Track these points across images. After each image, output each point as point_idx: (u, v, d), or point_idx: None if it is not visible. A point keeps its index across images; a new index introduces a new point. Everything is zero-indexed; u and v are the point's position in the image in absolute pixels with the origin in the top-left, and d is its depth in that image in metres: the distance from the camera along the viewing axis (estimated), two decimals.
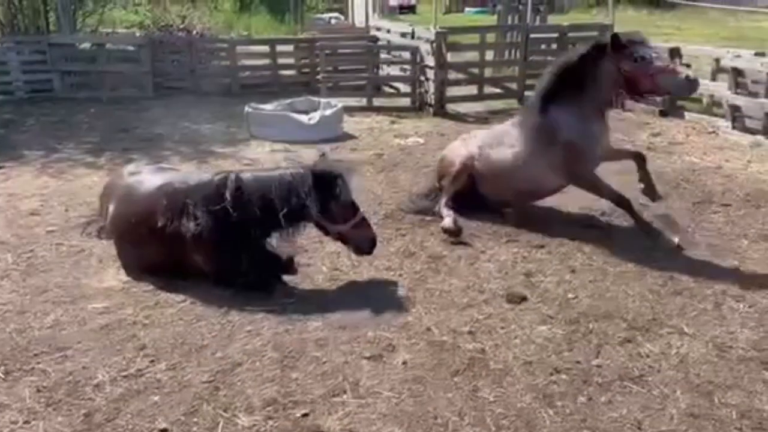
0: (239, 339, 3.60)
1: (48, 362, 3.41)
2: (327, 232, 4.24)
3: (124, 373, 3.30)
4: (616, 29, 10.63)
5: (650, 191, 5.29)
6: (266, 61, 11.82)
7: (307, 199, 3.94)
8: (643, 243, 4.84)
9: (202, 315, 3.85)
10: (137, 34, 13.32)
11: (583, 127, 4.98)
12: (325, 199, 4.01)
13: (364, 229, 4.20)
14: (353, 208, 4.15)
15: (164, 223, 4.03)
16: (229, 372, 3.30)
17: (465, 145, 5.69)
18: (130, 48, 11.65)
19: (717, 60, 8.51)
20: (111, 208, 4.51)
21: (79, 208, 5.71)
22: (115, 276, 4.38)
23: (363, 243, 4.20)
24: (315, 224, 4.18)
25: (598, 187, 5.14)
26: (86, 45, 11.88)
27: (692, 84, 4.77)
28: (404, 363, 3.37)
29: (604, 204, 5.68)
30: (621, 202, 5.04)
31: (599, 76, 4.86)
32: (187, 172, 5.14)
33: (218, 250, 4.04)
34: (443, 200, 5.41)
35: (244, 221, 3.96)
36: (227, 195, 3.96)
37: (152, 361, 3.40)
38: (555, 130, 5.01)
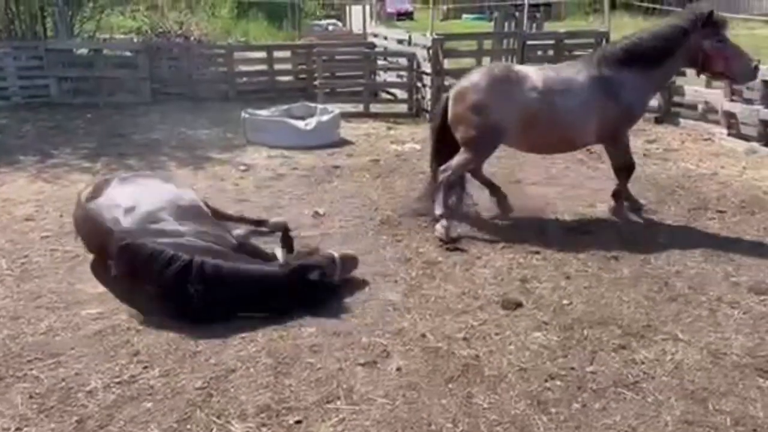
0: (233, 345, 3.58)
1: (41, 368, 3.39)
2: None
3: (117, 380, 3.29)
4: (612, 36, 10.74)
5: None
6: (263, 67, 11.85)
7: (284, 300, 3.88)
8: (639, 249, 4.85)
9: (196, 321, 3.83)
10: (135, 40, 13.35)
11: (644, 97, 5.35)
12: (305, 295, 3.93)
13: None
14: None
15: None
16: (223, 378, 3.29)
17: (518, 87, 5.11)
18: (128, 54, 11.68)
19: None
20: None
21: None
22: (109, 281, 4.35)
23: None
24: None
25: (627, 152, 5.46)
26: (83, 50, 11.90)
27: (755, 72, 5.16)
28: (398, 369, 3.37)
29: (599, 210, 5.72)
30: (632, 170, 5.53)
31: (681, 51, 5.09)
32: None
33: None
34: (440, 197, 5.21)
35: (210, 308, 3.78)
36: (190, 287, 3.69)
37: (145, 368, 3.38)
38: (621, 90, 5.10)
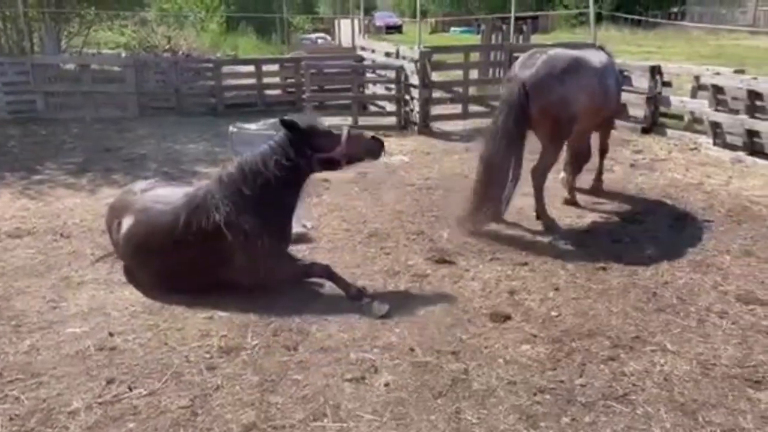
0: (218, 363, 3.53)
1: (22, 389, 3.32)
2: (335, 164, 4.35)
3: (100, 400, 3.23)
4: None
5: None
6: (252, 81, 11.84)
7: (296, 155, 4.21)
8: (627, 259, 4.85)
9: (180, 339, 3.78)
10: (122, 55, 13.30)
11: None
12: (308, 144, 4.23)
13: (359, 139, 4.36)
14: (333, 134, 4.30)
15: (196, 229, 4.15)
16: (208, 397, 3.24)
17: (584, 74, 5.36)
18: (115, 68, 11.64)
19: (697, 77, 8.62)
20: (126, 225, 4.42)
21: (59, 231, 5.62)
22: (93, 299, 4.31)
23: (366, 149, 4.37)
24: (322, 166, 4.34)
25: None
26: (70, 65, 11.85)
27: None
28: (386, 385, 3.33)
29: (587, 221, 5.72)
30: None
31: None
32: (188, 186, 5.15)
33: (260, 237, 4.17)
34: (542, 200, 5.50)
35: (266, 201, 4.20)
36: (242, 185, 4.22)
37: (129, 387, 3.32)
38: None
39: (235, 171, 4.31)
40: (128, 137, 9.64)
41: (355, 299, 4.21)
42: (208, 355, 3.61)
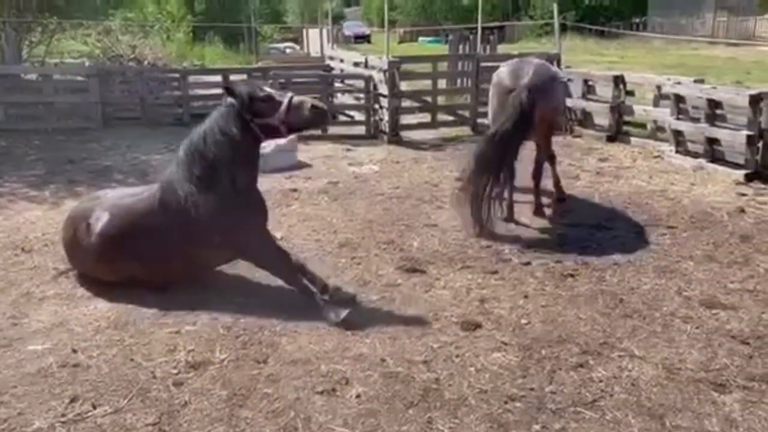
0: (185, 378, 3.46)
1: None
2: (275, 132, 4.28)
3: (63, 419, 3.13)
4: (564, 57, 11.04)
5: None
6: (218, 91, 11.72)
7: (234, 125, 4.18)
8: (594, 266, 4.92)
9: (147, 354, 3.70)
10: (86, 64, 13.06)
11: None
12: (248, 110, 4.16)
13: (300, 106, 4.18)
14: (274, 99, 4.18)
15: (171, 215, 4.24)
16: (175, 413, 3.17)
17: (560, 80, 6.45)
18: (79, 78, 11.41)
19: (659, 87, 8.83)
20: (101, 222, 4.41)
21: (20, 245, 5.47)
22: (55, 314, 4.19)
23: (307, 118, 4.21)
24: (263, 133, 4.25)
25: None
26: (32, 76, 11.59)
27: None
28: (358, 396, 3.30)
29: (556, 228, 5.80)
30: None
31: None
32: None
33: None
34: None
35: (217, 178, 4.22)
36: (192, 167, 4.26)
37: (93, 405, 3.23)
38: None
39: (183, 154, 4.34)
40: (92, 148, 9.45)
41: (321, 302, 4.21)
42: (175, 371, 3.54)
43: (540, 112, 5.57)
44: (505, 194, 5.80)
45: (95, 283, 4.60)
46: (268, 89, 4.30)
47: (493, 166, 5.48)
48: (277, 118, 4.15)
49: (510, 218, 5.97)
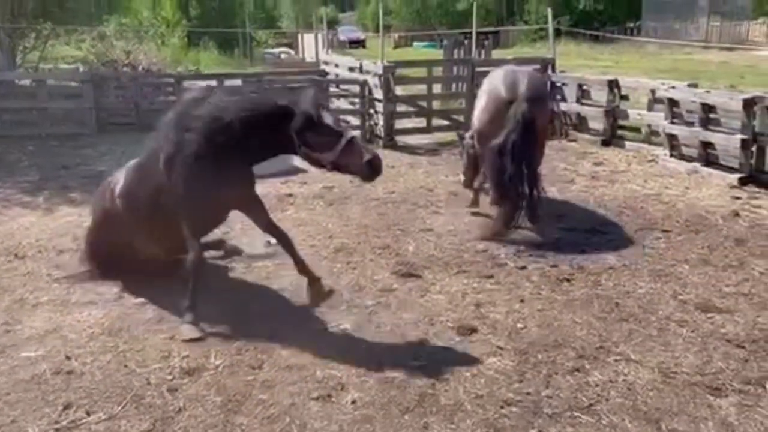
0: (180, 384, 3.44)
1: None
2: (315, 164, 3.96)
3: (57, 426, 3.11)
4: (558, 62, 11.07)
5: None
6: None
7: (276, 134, 3.85)
8: (590, 270, 4.93)
9: (141, 361, 3.68)
10: (80, 70, 13.04)
11: None
12: (300, 134, 3.79)
13: (356, 155, 3.79)
14: (333, 135, 3.80)
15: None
16: (170, 420, 3.15)
17: None
18: (73, 84, 11.38)
19: (653, 91, 8.86)
20: (117, 188, 4.48)
21: (13, 251, 5.44)
22: (49, 321, 4.17)
23: (359, 170, 3.84)
24: (302, 157, 3.95)
25: None
26: (26, 81, 11.55)
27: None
28: (353, 402, 3.29)
29: (551, 232, 5.80)
30: None
31: None
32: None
33: None
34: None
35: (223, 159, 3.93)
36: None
37: (87, 412, 3.21)
38: None
39: (209, 115, 3.94)
40: (86, 154, 9.42)
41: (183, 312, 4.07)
42: (169, 377, 3.52)
43: (539, 122, 5.65)
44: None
45: (89, 289, 4.59)
46: (328, 117, 3.86)
47: (515, 176, 5.49)
48: (327, 157, 3.80)
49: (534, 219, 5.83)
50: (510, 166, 5.46)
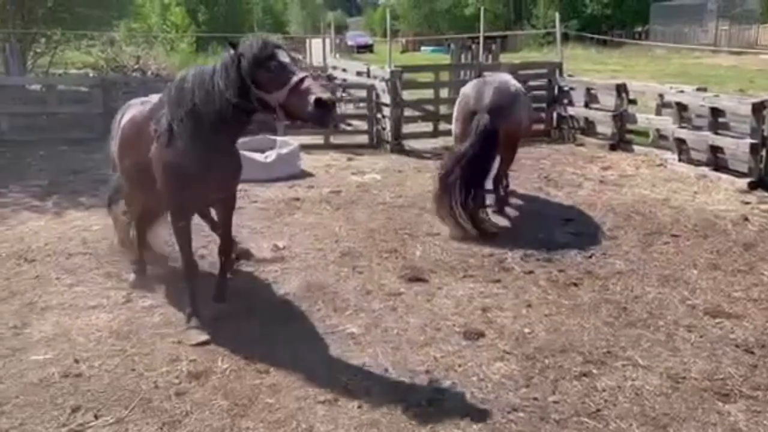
0: (187, 388, 3.45)
1: None
2: (269, 110, 3.62)
3: (65, 429, 3.13)
4: (566, 66, 11.05)
5: None
6: None
7: (228, 83, 3.60)
8: (598, 275, 4.91)
9: (148, 364, 3.70)
10: (90, 75, 13.14)
11: None
12: (251, 74, 3.52)
13: (305, 93, 3.41)
14: (284, 72, 3.49)
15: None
16: (177, 423, 3.16)
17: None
18: (83, 89, 11.47)
19: (661, 95, 8.83)
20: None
21: (23, 255, 5.48)
22: (57, 324, 4.19)
23: (307, 108, 3.40)
24: (260, 105, 3.61)
25: None
26: (36, 86, 11.65)
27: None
28: (359, 407, 3.28)
29: (558, 237, 5.78)
30: None
31: None
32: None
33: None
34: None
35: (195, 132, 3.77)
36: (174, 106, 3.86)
37: (95, 415, 3.23)
38: None
39: (174, 87, 3.87)
40: (96, 158, 9.44)
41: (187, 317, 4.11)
42: (177, 381, 3.53)
43: (503, 132, 5.89)
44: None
45: (97, 293, 4.62)
46: (285, 56, 3.56)
47: (461, 185, 5.73)
48: (275, 97, 3.50)
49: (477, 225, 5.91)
50: (460, 171, 5.75)
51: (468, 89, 6.34)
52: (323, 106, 3.39)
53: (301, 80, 3.45)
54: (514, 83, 6.53)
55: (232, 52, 3.62)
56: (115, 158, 4.68)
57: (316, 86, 3.49)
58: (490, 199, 6.33)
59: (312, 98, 3.38)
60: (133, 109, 4.55)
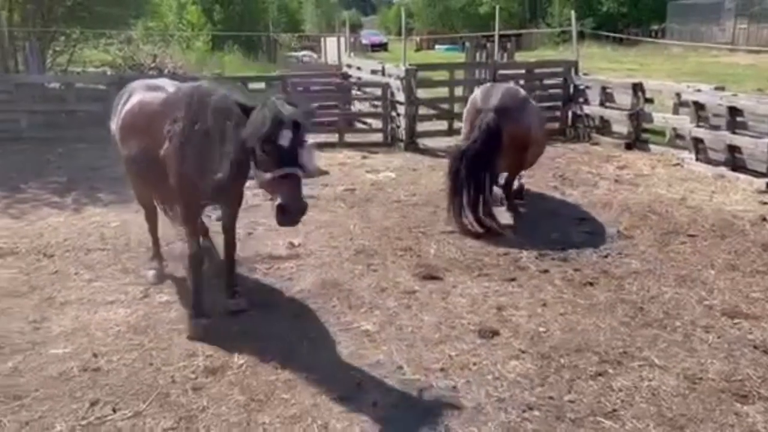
0: (204, 383, 3.49)
1: (3, 412, 3.26)
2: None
3: (83, 422, 3.17)
4: (582, 65, 10.98)
5: None
6: None
7: (228, 139, 3.56)
8: (614, 274, 4.88)
9: (165, 359, 3.74)
10: (108, 73, 13.26)
11: None
12: (250, 142, 3.44)
13: (279, 190, 3.41)
14: (278, 160, 3.39)
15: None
16: (194, 418, 3.19)
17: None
18: (101, 87, 11.56)
19: (678, 94, 8.74)
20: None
21: (42, 250, 5.55)
22: (76, 319, 4.25)
23: (274, 200, 3.42)
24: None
25: None
26: (55, 84, 11.77)
27: None
28: (375, 404, 3.30)
29: (574, 236, 5.76)
30: None
31: None
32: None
33: None
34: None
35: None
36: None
37: (113, 409, 3.27)
38: None
39: (195, 97, 3.86)
40: (114, 155, 9.51)
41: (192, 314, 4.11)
42: (193, 375, 3.56)
43: (508, 134, 5.84)
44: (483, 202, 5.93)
45: (115, 288, 4.67)
46: (287, 138, 3.40)
47: (466, 181, 5.82)
48: (262, 174, 3.45)
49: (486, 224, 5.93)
50: (464, 169, 5.81)
51: (477, 92, 6.44)
52: (284, 213, 3.39)
53: (286, 176, 3.39)
54: (523, 91, 6.61)
55: (238, 112, 3.52)
56: (117, 139, 4.75)
57: (293, 189, 3.42)
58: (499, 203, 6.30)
59: (278, 202, 3.38)
60: (140, 93, 4.54)
